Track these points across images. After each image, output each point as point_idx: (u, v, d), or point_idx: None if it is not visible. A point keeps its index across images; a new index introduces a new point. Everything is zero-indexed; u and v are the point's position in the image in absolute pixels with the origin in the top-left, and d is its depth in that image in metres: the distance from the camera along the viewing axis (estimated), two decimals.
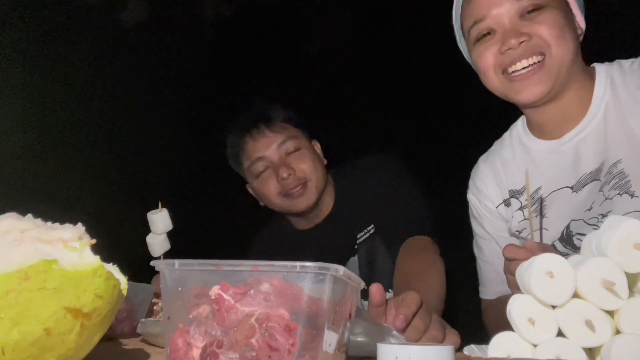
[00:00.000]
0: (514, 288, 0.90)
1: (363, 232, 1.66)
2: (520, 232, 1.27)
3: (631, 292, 0.71)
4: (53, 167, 3.02)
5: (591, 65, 1.24)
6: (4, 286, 0.54)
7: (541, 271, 0.72)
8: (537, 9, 1.14)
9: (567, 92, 1.19)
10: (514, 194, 1.30)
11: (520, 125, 1.34)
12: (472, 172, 1.42)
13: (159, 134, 3.42)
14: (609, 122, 1.15)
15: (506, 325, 0.76)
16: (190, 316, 0.61)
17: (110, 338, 1.03)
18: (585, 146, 1.18)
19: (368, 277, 1.64)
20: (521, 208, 1.29)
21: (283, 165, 1.63)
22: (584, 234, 1.13)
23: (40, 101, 3.10)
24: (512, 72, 1.15)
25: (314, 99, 3.71)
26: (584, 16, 1.23)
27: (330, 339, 0.59)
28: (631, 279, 0.71)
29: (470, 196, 1.41)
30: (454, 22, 1.30)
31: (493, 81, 1.20)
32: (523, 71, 1.14)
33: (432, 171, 3.28)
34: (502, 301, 1.10)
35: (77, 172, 3.05)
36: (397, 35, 3.62)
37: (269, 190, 1.66)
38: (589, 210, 1.15)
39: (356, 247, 1.68)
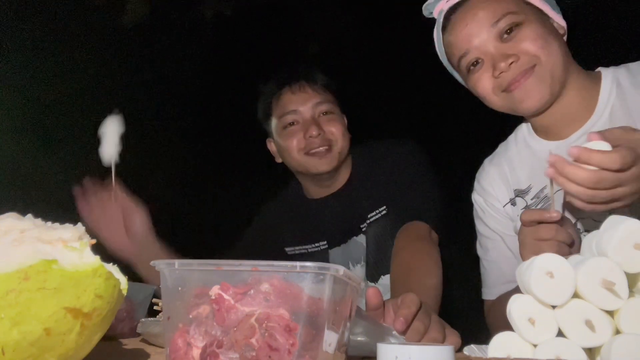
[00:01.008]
0: (531, 253, 0.88)
1: (374, 213, 1.66)
2: None
3: (631, 292, 0.71)
4: (53, 167, 3.02)
5: (597, 70, 1.25)
6: (4, 286, 0.54)
7: (541, 271, 0.72)
8: (514, 26, 1.16)
9: (567, 93, 1.20)
10: (520, 193, 1.32)
11: (525, 127, 1.35)
12: (478, 174, 1.43)
13: (159, 134, 3.42)
14: (615, 123, 1.16)
15: (509, 326, 0.76)
16: (190, 316, 0.61)
17: (110, 338, 1.03)
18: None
19: (375, 258, 1.65)
20: (526, 207, 1.29)
21: (314, 123, 1.64)
22: (590, 232, 1.14)
23: (40, 101, 3.10)
24: (506, 89, 1.17)
25: None
26: (562, 14, 1.24)
27: (330, 339, 0.60)
28: (631, 279, 0.72)
29: (476, 196, 1.42)
30: (440, 58, 1.33)
31: (496, 102, 1.22)
32: (518, 77, 1.15)
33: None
34: (503, 300, 1.11)
35: (77, 172, 3.04)
36: (397, 36, 3.62)
37: (292, 145, 1.66)
38: None
39: (364, 227, 1.68)
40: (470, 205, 1.45)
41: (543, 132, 1.29)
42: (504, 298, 1.15)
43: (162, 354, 0.85)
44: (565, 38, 1.22)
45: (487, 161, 1.42)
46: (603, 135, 0.89)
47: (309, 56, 3.60)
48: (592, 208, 0.90)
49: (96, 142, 1.26)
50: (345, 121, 1.75)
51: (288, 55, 3.60)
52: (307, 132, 1.64)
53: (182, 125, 3.55)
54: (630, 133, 0.91)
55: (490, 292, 1.39)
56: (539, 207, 1.25)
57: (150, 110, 3.40)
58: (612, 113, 1.18)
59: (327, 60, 3.58)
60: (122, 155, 1.23)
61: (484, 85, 1.20)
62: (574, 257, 0.78)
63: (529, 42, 1.14)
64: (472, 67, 1.21)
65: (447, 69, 1.35)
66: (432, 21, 1.33)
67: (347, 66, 3.64)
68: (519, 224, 1.29)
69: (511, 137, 1.39)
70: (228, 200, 3.50)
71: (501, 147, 1.41)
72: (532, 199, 1.28)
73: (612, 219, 0.76)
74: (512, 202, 1.33)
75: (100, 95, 3.31)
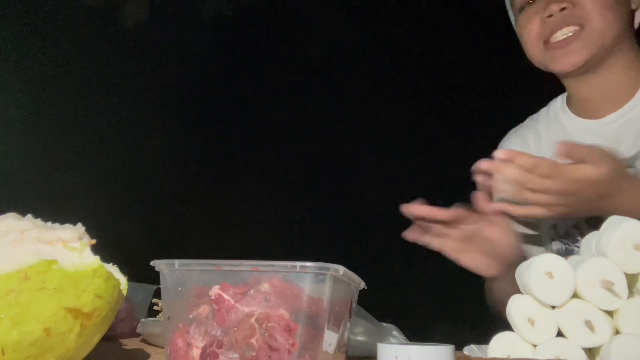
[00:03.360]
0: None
1: None
2: None
3: (631, 292, 0.71)
4: (53, 167, 3.02)
5: None
6: (4, 286, 0.54)
7: (540, 271, 0.72)
8: None
9: (610, 69, 1.14)
10: None
11: (559, 102, 1.29)
12: (500, 144, 1.37)
13: (159, 134, 3.42)
14: None
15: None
16: (190, 316, 0.61)
17: (110, 338, 1.03)
18: (626, 131, 1.13)
19: None
20: None
21: None
22: None
23: (40, 101, 3.10)
24: (552, 42, 1.12)
25: (314, 99, 3.71)
26: None
27: (330, 339, 0.60)
28: (630, 279, 0.72)
29: None
30: None
31: (534, 51, 1.17)
32: (561, 40, 1.11)
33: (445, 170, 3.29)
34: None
35: (77, 172, 3.05)
36: (397, 35, 3.63)
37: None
38: None
39: None
40: None
41: (578, 107, 1.22)
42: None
43: (162, 354, 0.85)
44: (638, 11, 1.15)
45: (512, 132, 1.36)
46: (573, 149, 0.90)
47: (309, 56, 3.59)
48: (521, 211, 0.93)
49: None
50: None
51: (288, 55, 3.60)
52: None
53: (182, 125, 3.54)
54: (615, 161, 0.92)
55: None
56: None
57: (151, 110, 3.40)
58: None
59: (327, 60, 3.58)
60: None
61: (531, 29, 1.14)
62: (574, 258, 0.78)
63: None
64: (527, 5, 1.15)
65: (506, 5, 1.28)
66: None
67: (348, 66, 3.64)
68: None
69: (543, 110, 1.33)
70: (227, 201, 3.50)
71: (530, 120, 1.35)
72: None
73: (612, 219, 0.76)
74: None
75: (100, 95, 3.31)
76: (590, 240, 0.79)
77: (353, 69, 3.68)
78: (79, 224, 0.64)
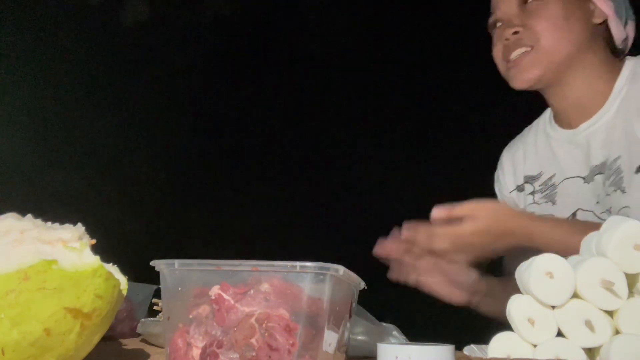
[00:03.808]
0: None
1: None
2: None
3: (630, 292, 0.71)
4: (53, 167, 3.02)
5: (625, 59, 1.22)
6: (4, 286, 0.54)
7: (540, 271, 0.72)
8: None
9: (574, 82, 1.19)
10: (529, 179, 1.32)
11: (548, 113, 1.34)
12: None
13: (159, 134, 3.42)
14: (620, 117, 1.16)
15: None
16: (190, 316, 0.61)
17: (110, 338, 1.03)
18: (595, 139, 1.19)
19: None
20: (532, 193, 1.29)
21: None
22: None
23: (40, 101, 3.10)
24: (509, 61, 1.20)
25: (315, 99, 3.71)
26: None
27: (330, 339, 0.60)
28: (630, 279, 0.72)
29: (495, 184, 1.42)
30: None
31: (501, 70, 1.25)
32: (515, 59, 1.19)
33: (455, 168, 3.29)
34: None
35: (77, 172, 3.05)
36: (397, 35, 3.63)
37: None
38: (597, 203, 1.16)
39: None
40: None
41: (558, 118, 1.28)
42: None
43: (162, 354, 0.85)
44: (608, 25, 1.19)
45: (507, 147, 1.42)
46: (449, 212, 1.02)
47: (309, 56, 3.59)
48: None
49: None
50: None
51: (288, 55, 3.60)
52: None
53: (182, 125, 3.54)
54: (495, 208, 1.07)
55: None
56: (544, 194, 1.26)
57: (151, 110, 3.40)
58: (620, 106, 1.16)
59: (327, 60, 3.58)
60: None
61: (497, 50, 1.23)
62: (574, 257, 0.78)
63: (538, 20, 1.15)
64: (494, 29, 1.24)
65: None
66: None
67: (348, 66, 3.64)
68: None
69: (535, 122, 1.39)
70: (227, 201, 3.50)
71: (525, 131, 1.41)
72: (540, 186, 1.29)
73: (612, 220, 0.76)
74: (520, 189, 1.33)
75: (100, 95, 3.31)
76: (590, 240, 0.79)
77: (353, 70, 3.68)
78: (79, 224, 0.64)
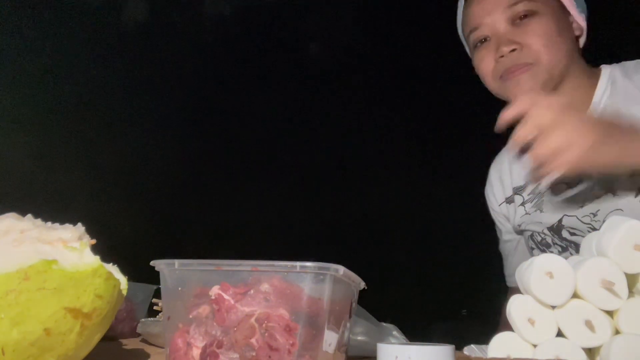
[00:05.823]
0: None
1: None
2: (520, 225, 1.29)
3: (631, 292, 0.71)
4: (53, 167, 3.02)
5: (600, 67, 1.26)
6: (4, 286, 0.54)
7: (541, 271, 0.72)
8: (530, 14, 1.17)
9: (564, 92, 1.20)
10: (518, 190, 1.33)
11: None
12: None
13: (159, 134, 3.42)
14: None
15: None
16: (190, 316, 0.61)
17: (110, 338, 1.03)
18: None
19: None
20: (523, 204, 1.30)
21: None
22: (575, 229, 1.17)
23: (40, 101, 3.10)
24: (501, 76, 1.20)
25: (315, 99, 3.71)
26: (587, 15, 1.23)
27: (330, 339, 0.60)
28: (631, 279, 0.72)
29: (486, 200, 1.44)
30: (458, 29, 1.35)
31: (491, 85, 1.25)
32: (513, 68, 1.18)
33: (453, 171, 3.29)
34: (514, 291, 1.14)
35: (77, 172, 3.05)
36: (397, 35, 3.63)
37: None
38: (581, 207, 1.16)
39: None
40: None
41: None
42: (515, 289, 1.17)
43: (162, 354, 0.86)
44: (582, 38, 1.23)
45: (493, 162, 1.44)
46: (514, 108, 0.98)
47: (309, 57, 3.59)
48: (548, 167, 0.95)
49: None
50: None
51: (288, 56, 3.60)
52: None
53: (182, 125, 3.55)
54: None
55: (508, 281, 1.43)
56: (533, 202, 1.27)
57: (151, 110, 3.40)
58: (603, 113, 1.18)
59: (329, 59, 3.58)
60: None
61: (486, 66, 1.22)
62: (574, 258, 0.78)
63: (535, 37, 1.15)
64: (479, 44, 1.23)
65: (460, 38, 1.35)
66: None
67: (348, 65, 3.64)
68: (517, 220, 1.30)
69: None
70: (227, 201, 3.50)
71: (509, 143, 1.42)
72: (528, 195, 1.30)
73: (613, 220, 0.76)
74: (509, 200, 1.35)
75: (101, 95, 3.31)
76: (590, 240, 0.79)
77: (354, 70, 3.68)
78: (79, 224, 0.64)
